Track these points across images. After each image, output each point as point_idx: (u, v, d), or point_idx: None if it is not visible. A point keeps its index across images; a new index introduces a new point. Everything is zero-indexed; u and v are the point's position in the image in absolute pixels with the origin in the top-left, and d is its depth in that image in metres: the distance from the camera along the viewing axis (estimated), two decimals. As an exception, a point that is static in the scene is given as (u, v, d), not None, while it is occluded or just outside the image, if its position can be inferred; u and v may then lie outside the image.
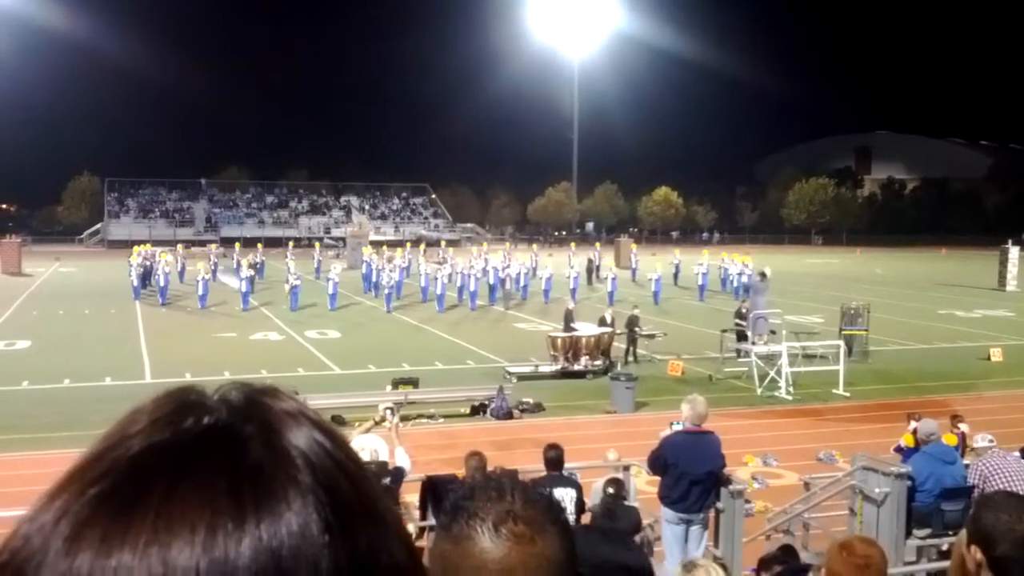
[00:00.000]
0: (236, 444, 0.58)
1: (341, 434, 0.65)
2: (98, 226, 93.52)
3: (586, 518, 9.44)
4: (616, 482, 9.65)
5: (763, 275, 26.32)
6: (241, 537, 0.54)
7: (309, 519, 0.56)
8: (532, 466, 9.91)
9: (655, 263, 43.43)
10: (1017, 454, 9.04)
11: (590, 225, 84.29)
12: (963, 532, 2.76)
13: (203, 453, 0.57)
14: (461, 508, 1.15)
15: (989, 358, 25.45)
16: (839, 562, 3.36)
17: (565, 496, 8.49)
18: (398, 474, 8.83)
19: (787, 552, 6.16)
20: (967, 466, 9.12)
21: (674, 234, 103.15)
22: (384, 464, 8.94)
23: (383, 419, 9.74)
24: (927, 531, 8.82)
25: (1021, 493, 7.75)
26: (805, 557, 7.65)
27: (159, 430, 0.59)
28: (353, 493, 0.60)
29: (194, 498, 0.55)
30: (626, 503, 9.62)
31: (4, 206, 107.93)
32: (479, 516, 1.12)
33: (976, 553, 2.69)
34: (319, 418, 0.64)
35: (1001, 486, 7.99)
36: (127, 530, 0.53)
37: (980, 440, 9.62)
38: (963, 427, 12.12)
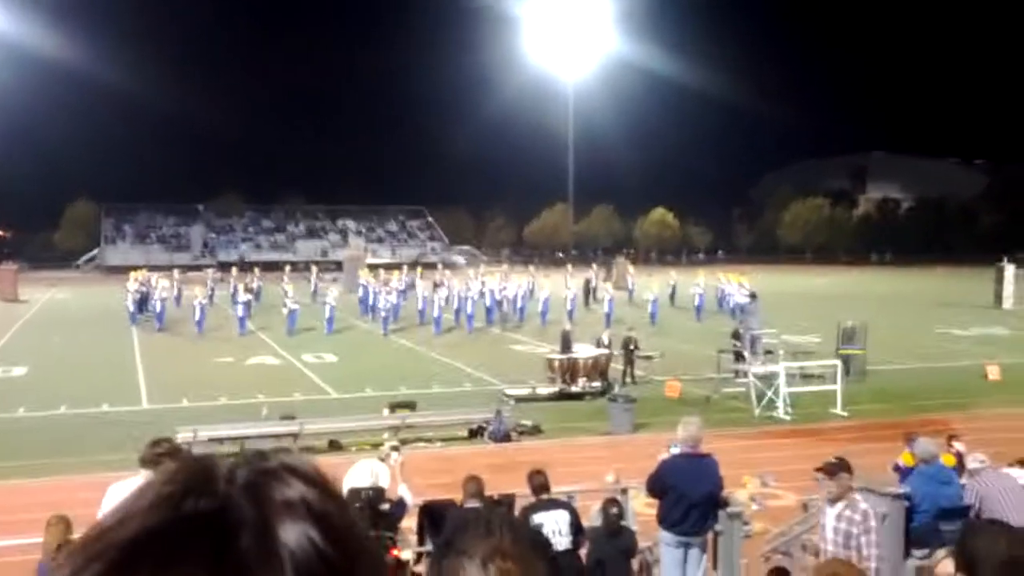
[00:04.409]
0: (226, 535, 0.59)
1: (340, 520, 0.65)
2: (94, 252, 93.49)
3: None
4: (616, 502, 9.66)
5: (753, 296, 26.40)
6: None
7: None
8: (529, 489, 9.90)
9: (652, 284, 43.48)
10: (1009, 471, 9.04)
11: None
12: (939, 556, 2.81)
13: (190, 544, 0.58)
14: (452, 544, 1.17)
15: (986, 376, 25.47)
16: None
17: (559, 519, 8.47)
18: (400, 507, 8.83)
19: (780, 574, 6.17)
20: (964, 486, 9.13)
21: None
22: (382, 490, 8.93)
23: (387, 456, 9.74)
24: (925, 551, 8.81)
25: (1018, 511, 7.76)
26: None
27: (157, 512, 0.60)
28: None
29: None
30: (623, 525, 9.63)
31: (0, 232, 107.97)
32: (467, 553, 1.14)
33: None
34: (322, 505, 0.64)
35: (998, 506, 8.01)
36: None
37: (973, 461, 9.63)
38: (958, 446, 12.13)
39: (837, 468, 7.91)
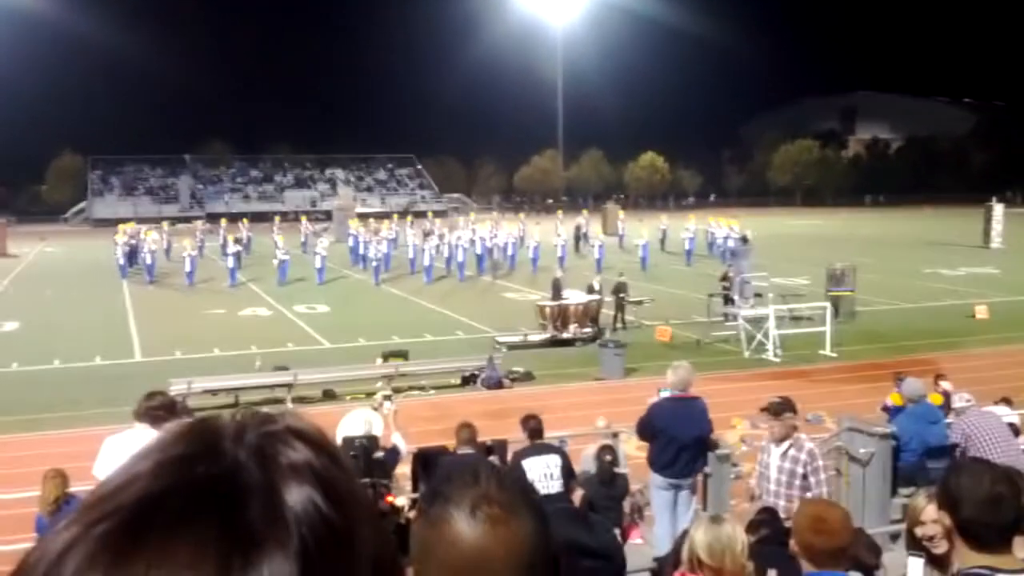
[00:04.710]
0: (235, 499, 0.61)
1: (343, 484, 0.67)
2: (82, 204, 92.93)
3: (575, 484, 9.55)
4: (610, 449, 9.78)
5: (745, 239, 26.46)
6: None
7: None
8: (523, 435, 10.01)
9: (642, 229, 43.50)
10: (993, 409, 9.18)
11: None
12: (918, 493, 2.87)
13: (200, 508, 0.60)
14: (438, 493, 1.20)
15: (974, 316, 25.66)
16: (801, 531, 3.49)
17: (551, 463, 8.59)
18: (393, 454, 8.92)
19: (769, 514, 6.27)
20: (950, 425, 9.26)
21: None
22: (376, 439, 9.02)
23: (380, 406, 9.82)
24: (912, 489, 8.96)
25: (1001, 449, 7.89)
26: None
27: (166, 474, 0.62)
28: (337, 553, 0.63)
29: (184, 558, 0.58)
30: (617, 471, 9.76)
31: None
32: (454, 500, 1.17)
33: (945, 518, 2.82)
34: (324, 468, 0.66)
35: (982, 444, 8.13)
36: None
37: (958, 400, 9.75)
38: (945, 385, 12.27)
39: (782, 408, 7.93)
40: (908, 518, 4.04)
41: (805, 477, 7.75)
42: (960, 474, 2.86)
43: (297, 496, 0.62)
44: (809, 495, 7.58)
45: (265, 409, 0.73)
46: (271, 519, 0.60)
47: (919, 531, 4.13)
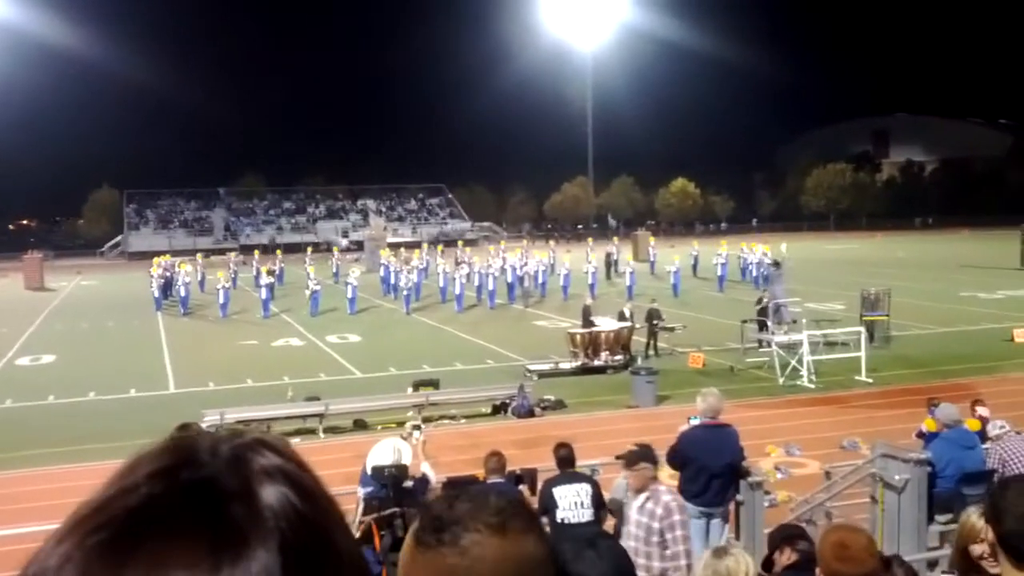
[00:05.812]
0: (219, 502, 0.67)
1: (311, 483, 0.74)
2: (118, 238, 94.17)
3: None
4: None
5: (777, 263, 26.24)
6: None
7: (273, 571, 0.66)
8: (554, 464, 9.96)
9: (673, 255, 43.35)
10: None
11: (612, 222, 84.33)
12: (965, 514, 2.84)
13: (189, 512, 0.66)
14: (431, 516, 1.18)
15: (1012, 339, 25.28)
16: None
17: (581, 492, 8.54)
18: (423, 483, 8.92)
19: (802, 538, 6.15)
20: (987, 450, 9.11)
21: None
22: (405, 467, 9.02)
23: (409, 435, 9.84)
24: (949, 516, 8.81)
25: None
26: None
27: (155, 484, 0.68)
28: (313, 542, 0.70)
29: (179, 560, 0.63)
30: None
31: (25, 222, 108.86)
32: (444, 520, 1.15)
33: (989, 532, 2.80)
34: (293, 471, 0.73)
35: (1019, 468, 7.98)
36: None
37: (993, 427, 9.59)
38: (982, 411, 12.07)
39: (637, 457, 7.41)
40: (961, 536, 3.96)
41: (662, 533, 7.20)
42: (1007, 488, 2.85)
43: (272, 495, 0.69)
44: (668, 552, 7.10)
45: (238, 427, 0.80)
46: (252, 517, 0.67)
47: (976, 549, 4.05)
